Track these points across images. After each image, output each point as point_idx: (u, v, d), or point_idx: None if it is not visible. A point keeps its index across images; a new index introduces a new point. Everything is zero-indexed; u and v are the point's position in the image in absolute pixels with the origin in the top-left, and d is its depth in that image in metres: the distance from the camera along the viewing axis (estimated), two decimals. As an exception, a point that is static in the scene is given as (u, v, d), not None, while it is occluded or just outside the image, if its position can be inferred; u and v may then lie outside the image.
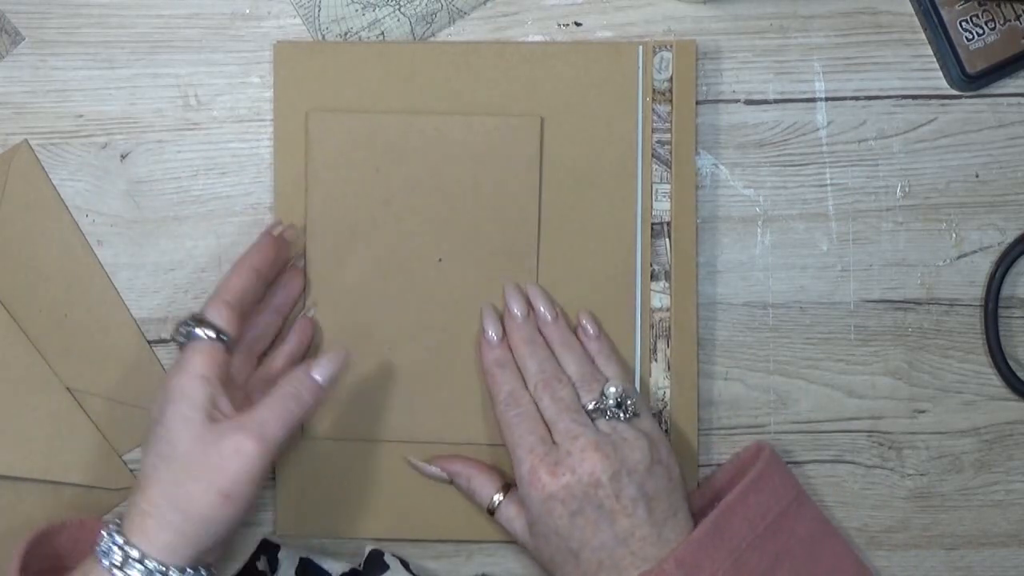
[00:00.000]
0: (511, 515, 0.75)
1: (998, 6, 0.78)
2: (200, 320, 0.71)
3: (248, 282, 0.73)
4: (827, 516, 0.78)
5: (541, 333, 0.77)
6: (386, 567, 0.76)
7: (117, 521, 0.68)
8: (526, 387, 0.75)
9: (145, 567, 0.66)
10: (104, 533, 0.68)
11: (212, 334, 0.70)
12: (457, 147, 0.77)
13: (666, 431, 0.78)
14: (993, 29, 0.78)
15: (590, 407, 0.73)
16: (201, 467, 0.67)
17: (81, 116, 0.79)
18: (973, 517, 0.80)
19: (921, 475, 0.80)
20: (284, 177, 0.78)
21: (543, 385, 0.74)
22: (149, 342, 0.79)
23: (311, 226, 0.77)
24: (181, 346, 0.71)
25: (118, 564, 0.66)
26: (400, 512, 0.78)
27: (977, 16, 0.78)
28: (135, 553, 0.66)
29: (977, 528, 0.80)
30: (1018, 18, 0.78)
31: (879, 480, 0.80)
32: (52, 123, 0.79)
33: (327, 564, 0.77)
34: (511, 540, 0.77)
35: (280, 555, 0.77)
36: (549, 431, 0.73)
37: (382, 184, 0.77)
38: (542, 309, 0.77)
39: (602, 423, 0.73)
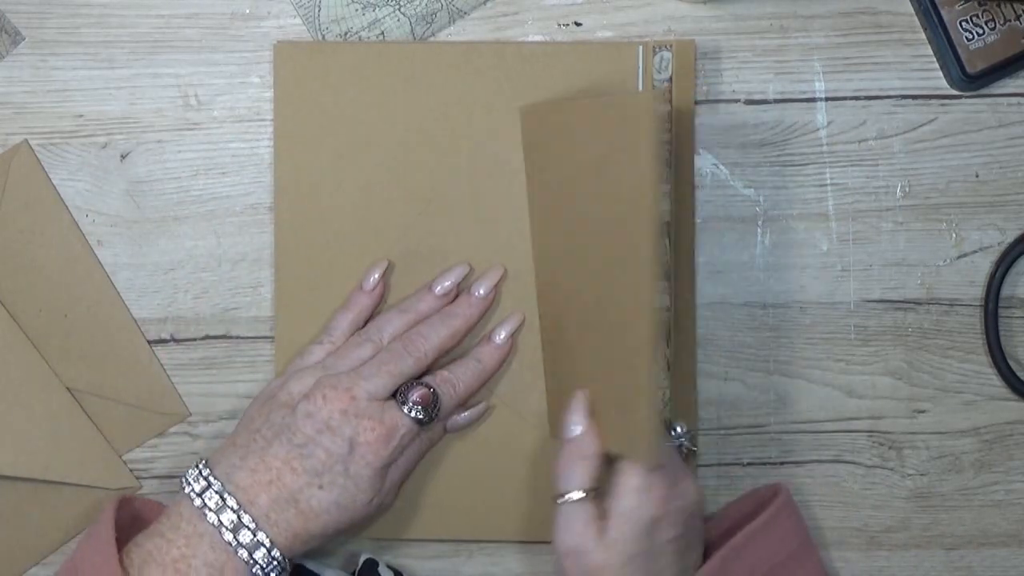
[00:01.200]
0: (577, 515, 0.70)
1: (998, 6, 0.78)
2: (434, 402, 0.72)
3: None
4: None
5: None
6: None
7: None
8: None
9: (241, 521, 0.68)
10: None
11: (427, 419, 0.72)
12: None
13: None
14: (993, 29, 0.78)
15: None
16: (358, 524, 0.72)
17: (81, 116, 0.79)
18: (973, 517, 0.80)
19: (921, 475, 0.80)
20: (284, 177, 0.78)
21: None
22: (149, 342, 0.79)
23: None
24: (400, 406, 0.71)
25: (214, 508, 0.68)
26: (400, 512, 0.78)
27: (977, 16, 0.78)
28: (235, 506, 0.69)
29: (977, 528, 0.80)
30: (1018, 18, 0.78)
31: (879, 480, 0.80)
32: (52, 123, 0.79)
33: (321, 571, 0.77)
34: (511, 540, 0.78)
35: None
36: None
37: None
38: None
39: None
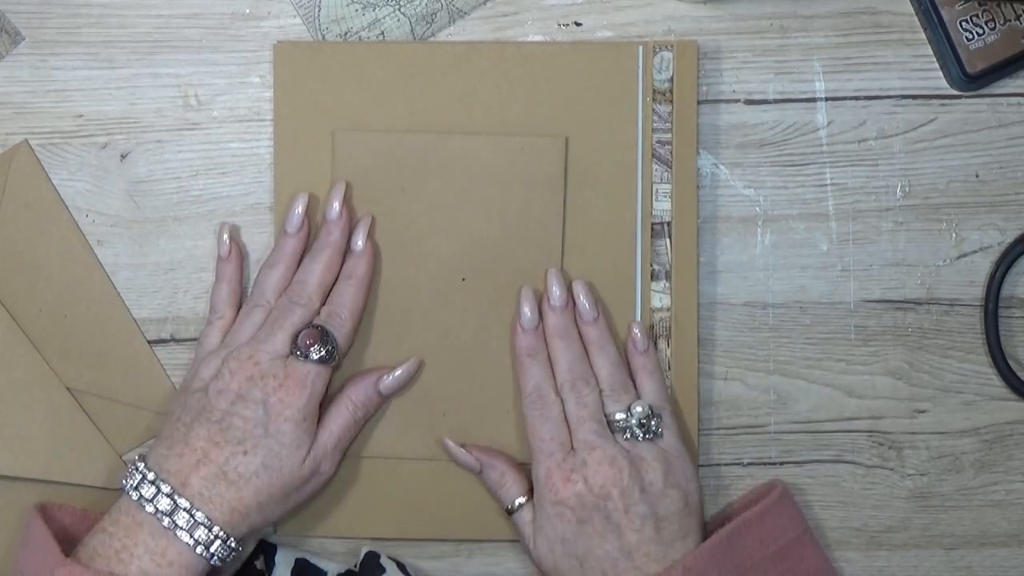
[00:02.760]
0: (528, 519, 0.75)
1: (998, 6, 0.78)
2: (325, 337, 0.73)
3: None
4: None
5: (579, 330, 0.76)
6: (383, 570, 0.76)
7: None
8: (552, 385, 0.75)
9: (185, 510, 0.69)
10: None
11: (328, 356, 0.73)
12: (482, 166, 0.77)
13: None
14: (993, 29, 0.78)
15: (614, 418, 0.73)
16: (294, 489, 0.73)
17: (81, 116, 0.79)
18: (973, 517, 0.80)
19: (921, 475, 0.80)
20: (284, 177, 0.78)
21: (570, 385, 0.74)
22: (149, 342, 0.79)
23: None
24: (301, 358, 0.72)
25: (150, 498, 0.70)
26: (400, 512, 0.78)
27: (977, 16, 0.78)
28: (173, 494, 0.70)
29: (977, 528, 0.80)
30: (1018, 18, 0.78)
31: (879, 480, 0.80)
32: (52, 123, 0.79)
33: (323, 565, 0.77)
34: (511, 540, 0.77)
35: (277, 557, 0.77)
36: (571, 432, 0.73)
37: (407, 203, 0.77)
38: (586, 305, 0.76)
39: (621, 438, 0.73)
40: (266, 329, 0.74)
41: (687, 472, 0.74)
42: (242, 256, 0.78)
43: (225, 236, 0.78)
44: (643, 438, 0.73)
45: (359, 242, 0.76)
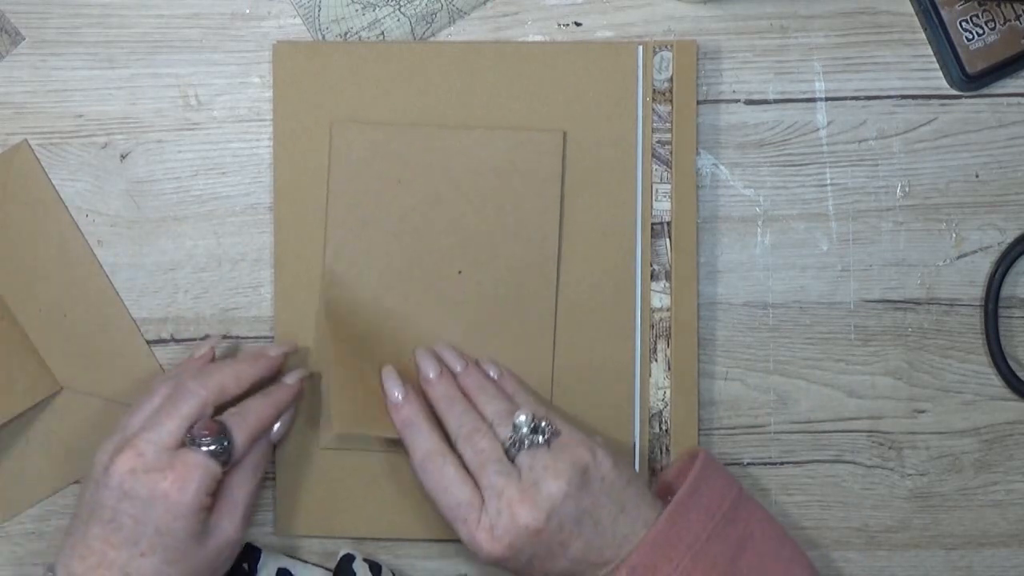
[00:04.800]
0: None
1: (998, 6, 0.78)
2: (222, 433, 0.71)
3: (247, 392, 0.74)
4: (816, 513, 0.78)
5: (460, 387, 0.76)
6: (353, 574, 0.76)
7: None
8: (441, 447, 0.73)
9: None
10: None
11: (222, 452, 0.70)
12: (479, 160, 0.77)
13: (666, 431, 0.78)
14: (993, 29, 0.78)
15: (508, 443, 0.72)
16: (208, 567, 0.71)
17: (81, 116, 0.79)
18: (973, 517, 0.80)
19: (921, 475, 0.80)
20: (284, 177, 0.78)
21: (464, 439, 0.72)
22: (148, 342, 0.79)
23: (331, 236, 0.77)
24: (193, 447, 0.70)
25: None
26: (399, 512, 0.78)
27: (977, 16, 0.78)
28: None
29: (977, 528, 0.80)
30: (1018, 18, 0.78)
31: (879, 480, 0.80)
32: (52, 123, 0.79)
33: (305, 573, 0.77)
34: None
35: (259, 564, 0.77)
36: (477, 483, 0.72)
37: (403, 195, 0.77)
38: (451, 361, 0.76)
39: (522, 457, 0.71)
40: (158, 415, 0.71)
41: (587, 450, 0.72)
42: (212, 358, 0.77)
43: (209, 346, 0.76)
44: (542, 440, 0.72)
45: (294, 377, 0.76)
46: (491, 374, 0.77)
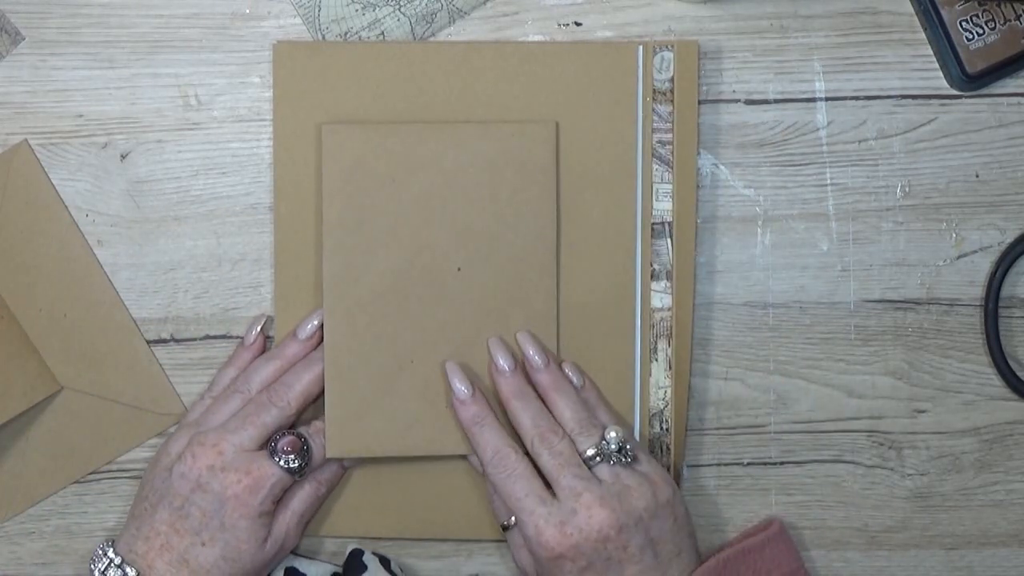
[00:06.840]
0: (519, 543, 0.74)
1: (998, 6, 0.78)
2: (309, 458, 0.74)
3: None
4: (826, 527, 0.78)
5: (531, 381, 0.75)
6: (364, 567, 0.76)
7: None
8: (510, 443, 0.73)
9: None
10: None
11: (298, 469, 0.73)
12: (473, 154, 0.77)
13: (666, 430, 0.78)
14: (993, 29, 0.78)
15: (589, 454, 0.72)
16: (257, 572, 0.74)
17: (81, 116, 0.79)
18: (973, 517, 0.80)
19: (921, 475, 0.80)
20: (284, 177, 0.78)
21: (540, 440, 0.73)
22: (148, 342, 0.79)
23: (328, 238, 0.77)
24: (272, 458, 0.73)
25: None
26: (401, 512, 0.78)
27: (977, 16, 0.78)
28: None
29: (977, 528, 0.80)
30: (1018, 18, 0.78)
31: (879, 480, 0.80)
32: (52, 123, 0.79)
33: (312, 570, 0.78)
34: (511, 540, 0.78)
35: None
36: (547, 484, 0.72)
37: (398, 194, 0.77)
38: (533, 355, 0.75)
39: (603, 470, 0.72)
40: (238, 419, 0.74)
41: (669, 487, 0.73)
42: (263, 349, 0.78)
43: (257, 328, 0.78)
44: (625, 462, 0.72)
45: None
46: (573, 380, 0.76)
